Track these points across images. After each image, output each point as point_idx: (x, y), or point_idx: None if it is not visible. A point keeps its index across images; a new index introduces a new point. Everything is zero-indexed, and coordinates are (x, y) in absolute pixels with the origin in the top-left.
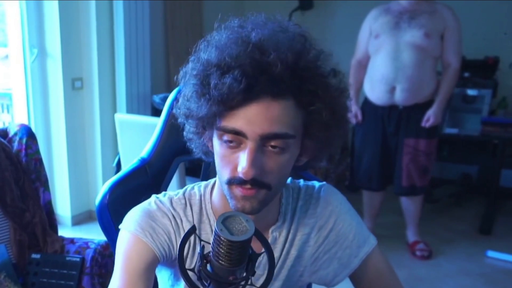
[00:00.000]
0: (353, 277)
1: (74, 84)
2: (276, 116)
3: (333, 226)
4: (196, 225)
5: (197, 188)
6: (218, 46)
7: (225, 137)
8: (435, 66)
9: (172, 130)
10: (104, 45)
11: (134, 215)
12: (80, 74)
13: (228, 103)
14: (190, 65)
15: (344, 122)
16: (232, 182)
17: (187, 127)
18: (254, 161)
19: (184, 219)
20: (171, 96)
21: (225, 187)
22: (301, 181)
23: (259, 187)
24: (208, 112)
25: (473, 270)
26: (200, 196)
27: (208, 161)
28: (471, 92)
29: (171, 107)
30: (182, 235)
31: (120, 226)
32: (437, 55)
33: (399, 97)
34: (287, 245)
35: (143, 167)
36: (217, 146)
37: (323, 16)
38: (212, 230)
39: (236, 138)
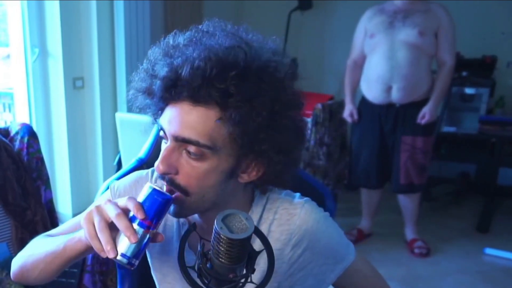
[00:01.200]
0: (336, 285)
1: (75, 83)
2: (192, 122)
3: (308, 246)
4: None
5: None
6: (163, 45)
7: (161, 133)
8: (430, 64)
9: None
10: (105, 45)
11: (131, 175)
12: (81, 74)
13: (152, 98)
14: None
15: (283, 143)
16: (159, 178)
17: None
18: (166, 159)
19: None
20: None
21: None
22: (283, 193)
23: (175, 188)
24: (144, 104)
25: (471, 267)
26: None
27: None
28: (469, 91)
29: None
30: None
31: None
32: (432, 53)
33: (396, 96)
34: None
35: (141, 167)
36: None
37: (322, 16)
38: (179, 223)
39: (164, 135)
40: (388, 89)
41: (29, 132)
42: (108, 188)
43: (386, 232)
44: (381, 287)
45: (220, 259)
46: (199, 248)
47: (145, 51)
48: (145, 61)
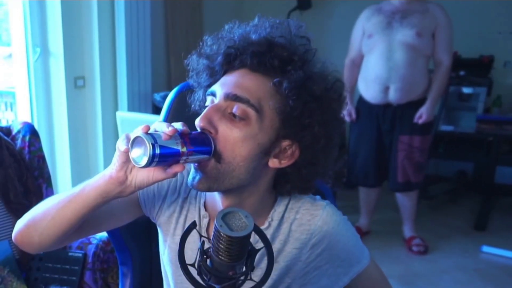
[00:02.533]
0: None
1: (76, 82)
2: (246, 84)
3: (326, 246)
4: (189, 199)
5: None
6: (222, 32)
7: (209, 99)
8: (427, 64)
9: None
10: (106, 44)
11: None
12: (82, 73)
13: (213, 64)
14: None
15: (327, 130)
16: None
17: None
18: (209, 115)
19: (184, 185)
20: (171, 94)
21: None
22: (306, 196)
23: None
24: (203, 71)
25: (469, 265)
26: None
27: None
28: (466, 90)
29: (171, 106)
30: (174, 197)
31: None
32: (429, 53)
33: (393, 96)
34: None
35: None
36: None
37: (321, 16)
38: (199, 211)
39: (212, 101)
40: (386, 89)
41: (31, 131)
42: None
43: (384, 230)
44: None
45: (220, 257)
46: (199, 246)
47: (145, 51)
48: (214, 36)
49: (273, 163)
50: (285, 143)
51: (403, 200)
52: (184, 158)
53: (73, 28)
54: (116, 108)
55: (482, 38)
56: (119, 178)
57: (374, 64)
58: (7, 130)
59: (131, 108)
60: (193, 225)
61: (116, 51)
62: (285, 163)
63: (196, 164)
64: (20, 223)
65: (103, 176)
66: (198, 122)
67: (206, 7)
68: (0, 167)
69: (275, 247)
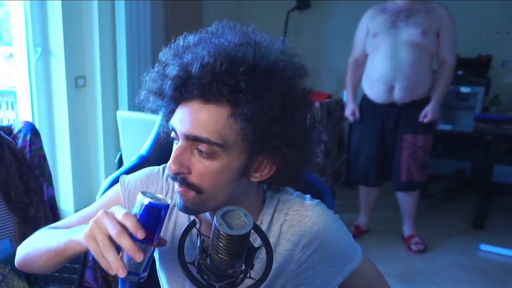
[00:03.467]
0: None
1: (77, 82)
2: (203, 120)
3: (318, 246)
4: (174, 207)
5: None
6: (173, 46)
7: (172, 133)
8: (431, 63)
9: None
10: (106, 44)
11: (142, 171)
12: (83, 72)
13: (163, 98)
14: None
15: (295, 141)
16: (170, 178)
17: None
18: (178, 158)
19: (170, 194)
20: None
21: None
22: (294, 195)
23: (188, 187)
24: (155, 105)
25: (467, 263)
26: None
27: None
28: (464, 89)
29: None
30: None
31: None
32: (433, 52)
33: (398, 95)
34: (262, 256)
35: (143, 163)
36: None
37: (320, 16)
38: (189, 217)
39: (175, 135)
40: (391, 88)
41: (32, 130)
42: (116, 181)
43: (384, 228)
44: None
45: (220, 255)
46: (198, 244)
47: (146, 50)
48: (156, 63)
49: (255, 177)
50: (260, 159)
51: (404, 199)
52: (156, 241)
53: (73, 28)
54: (116, 107)
55: (480, 38)
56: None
57: (379, 63)
58: (8, 129)
59: (132, 107)
60: (193, 224)
61: (116, 51)
62: (266, 174)
63: (179, 192)
64: (19, 255)
65: (80, 244)
66: (169, 169)
67: (206, 7)
68: (1, 166)
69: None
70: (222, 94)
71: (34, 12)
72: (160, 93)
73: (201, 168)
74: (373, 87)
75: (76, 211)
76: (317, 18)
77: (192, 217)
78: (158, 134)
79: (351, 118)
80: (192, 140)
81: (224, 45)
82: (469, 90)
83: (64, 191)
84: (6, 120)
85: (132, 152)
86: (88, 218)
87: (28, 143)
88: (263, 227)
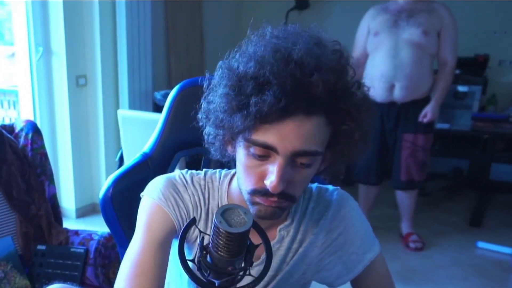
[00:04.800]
0: (354, 281)
1: (78, 81)
2: (308, 133)
3: (342, 231)
4: (211, 210)
5: (218, 174)
6: (255, 57)
7: (253, 150)
8: (432, 63)
9: (173, 126)
10: (107, 44)
11: (158, 183)
12: (84, 72)
13: (264, 119)
14: (221, 72)
15: (368, 138)
16: (257, 193)
17: (210, 132)
18: (284, 176)
19: (201, 198)
20: (172, 93)
21: (247, 195)
22: (315, 184)
23: (284, 199)
24: (242, 125)
25: (464, 261)
26: (219, 183)
27: (209, 157)
28: (461, 88)
29: (172, 104)
30: (199, 212)
31: (143, 193)
32: (434, 52)
33: (398, 94)
34: (295, 245)
35: (145, 161)
36: (242, 156)
37: (319, 15)
38: None
39: (266, 152)
40: (391, 87)
41: (33, 129)
42: (118, 179)
43: (382, 226)
44: None
45: (219, 253)
46: (198, 242)
47: (146, 50)
48: (233, 76)
49: (317, 170)
50: (327, 153)
51: (403, 198)
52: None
53: (75, 28)
54: (117, 106)
55: (477, 38)
56: None
57: (379, 62)
58: (10, 128)
59: (132, 106)
60: (193, 221)
61: (117, 50)
62: (323, 166)
63: (269, 204)
64: None
65: None
66: (273, 188)
67: (206, 7)
68: (3, 164)
69: (298, 238)
70: (323, 105)
71: (35, 12)
72: (253, 113)
73: (300, 178)
74: (373, 86)
75: (77, 209)
76: (316, 18)
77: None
78: (161, 132)
79: None
80: (301, 154)
81: (329, 58)
82: (466, 89)
83: (66, 189)
84: (8, 119)
85: (132, 151)
86: (141, 260)
87: (29, 141)
88: (296, 218)
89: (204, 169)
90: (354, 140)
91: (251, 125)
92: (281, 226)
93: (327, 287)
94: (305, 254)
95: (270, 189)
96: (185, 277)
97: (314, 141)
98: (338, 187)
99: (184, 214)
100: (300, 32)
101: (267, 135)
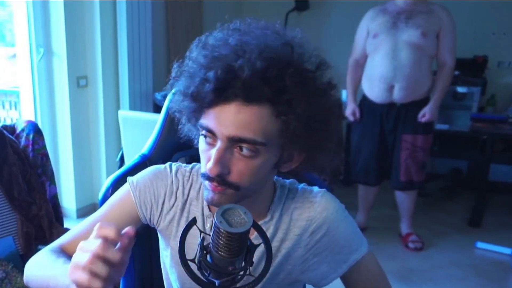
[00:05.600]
0: (344, 280)
1: (79, 82)
2: (246, 121)
3: (326, 232)
4: (190, 201)
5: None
6: (206, 46)
7: (203, 133)
8: (431, 64)
9: (171, 126)
10: (108, 45)
11: (144, 170)
12: (84, 73)
13: (200, 102)
14: (184, 62)
15: (328, 132)
16: (204, 177)
17: (179, 117)
18: (220, 161)
19: (180, 188)
20: (171, 94)
21: (201, 179)
22: (301, 185)
23: (227, 186)
24: (188, 107)
25: (463, 261)
26: None
27: None
28: (461, 89)
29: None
30: (172, 202)
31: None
32: (433, 54)
33: (397, 95)
34: (275, 243)
35: (144, 162)
36: (200, 140)
37: (318, 16)
38: (203, 211)
39: (210, 135)
40: (390, 88)
41: (34, 129)
42: (118, 179)
43: (381, 226)
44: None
45: (220, 252)
46: (199, 242)
47: (147, 50)
48: (189, 63)
49: (284, 168)
50: (293, 150)
51: (403, 198)
52: None
53: (75, 29)
54: (118, 107)
55: (476, 39)
56: None
57: (379, 63)
58: (11, 129)
59: (133, 107)
60: (193, 221)
61: (118, 51)
62: (295, 164)
63: (215, 191)
64: (25, 274)
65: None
66: (209, 171)
67: (206, 7)
68: (4, 165)
69: (278, 237)
70: (264, 95)
71: (36, 13)
72: (196, 96)
73: (242, 167)
74: (373, 86)
75: (78, 209)
76: (315, 19)
77: (205, 213)
78: (159, 133)
79: (351, 118)
80: (237, 141)
81: (272, 46)
82: (465, 90)
83: (66, 190)
84: (9, 119)
85: (133, 151)
86: (87, 230)
87: (31, 142)
88: (276, 216)
89: (194, 163)
90: (297, 132)
91: (194, 107)
92: (261, 222)
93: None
94: (290, 255)
95: (208, 172)
96: (175, 274)
97: (252, 130)
98: (324, 189)
99: (151, 200)
100: (260, 26)
101: (209, 119)
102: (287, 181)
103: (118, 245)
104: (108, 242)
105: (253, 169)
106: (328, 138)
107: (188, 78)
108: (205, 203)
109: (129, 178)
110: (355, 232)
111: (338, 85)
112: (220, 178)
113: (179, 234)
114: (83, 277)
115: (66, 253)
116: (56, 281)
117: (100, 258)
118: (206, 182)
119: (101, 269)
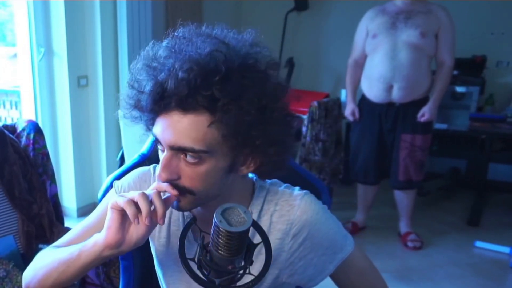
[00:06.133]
0: (335, 279)
1: (79, 81)
2: (184, 129)
3: (308, 235)
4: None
5: None
6: (142, 58)
7: (155, 140)
8: (430, 64)
9: None
10: (108, 44)
11: (130, 173)
12: (85, 72)
13: (144, 111)
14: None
15: (278, 129)
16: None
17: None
18: (167, 167)
19: None
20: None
21: None
22: (283, 186)
23: (181, 191)
24: (137, 117)
25: (462, 260)
26: None
27: None
28: (459, 89)
29: None
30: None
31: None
32: (432, 53)
33: (396, 95)
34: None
35: (143, 162)
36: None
37: (317, 16)
38: (183, 216)
39: (159, 143)
40: (389, 88)
41: (35, 129)
42: (111, 186)
43: (380, 225)
44: (374, 284)
45: (220, 251)
46: (199, 241)
47: None
48: (130, 76)
49: (242, 171)
50: (245, 155)
51: (401, 197)
52: None
53: (76, 29)
54: (118, 107)
55: (475, 39)
56: (116, 242)
57: (378, 63)
58: (12, 128)
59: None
60: (193, 220)
61: (118, 51)
62: (251, 168)
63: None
64: (26, 279)
65: (97, 243)
66: (159, 177)
67: (206, 7)
68: (5, 164)
69: (257, 239)
70: (199, 104)
71: (37, 13)
72: (138, 107)
73: (190, 172)
74: (372, 86)
75: (78, 208)
76: (315, 19)
77: (185, 213)
78: None
79: (350, 118)
80: (178, 150)
81: (194, 57)
82: (464, 89)
83: (67, 189)
84: (10, 119)
85: (133, 150)
86: (89, 229)
87: (31, 141)
88: (254, 217)
89: None
90: (266, 140)
91: (143, 117)
92: None
93: None
94: (275, 259)
95: (158, 178)
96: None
97: (191, 138)
98: (306, 191)
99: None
100: (201, 33)
101: (156, 128)
102: (268, 181)
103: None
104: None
105: (202, 175)
106: (279, 136)
107: (129, 91)
108: None
109: (115, 183)
110: (338, 232)
111: (338, 85)
112: (171, 184)
113: (162, 235)
114: (129, 205)
115: None
116: (72, 254)
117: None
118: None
119: (145, 205)
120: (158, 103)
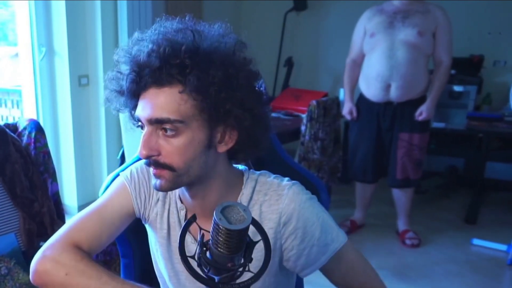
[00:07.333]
0: (324, 271)
1: (80, 81)
2: (160, 103)
3: (297, 224)
4: (169, 194)
5: None
6: (121, 48)
7: (139, 124)
8: (427, 63)
9: None
10: (109, 44)
11: (135, 165)
12: (86, 71)
13: (129, 93)
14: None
15: (251, 106)
16: (145, 163)
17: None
18: (147, 143)
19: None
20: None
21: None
22: (272, 177)
23: (161, 167)
24: (123, 103)
25: (460, 257)
26: None
27: None
28: (457, 88)
29: None
30: (158, 194)
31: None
32: (429, 53)
33: (394, 94)
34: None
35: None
36: None
37: (316, 16)
38: (176, 204)
39: (141, 123)
40: (387, 87)
41: (36, 128)
42: (116, 176)
43: (379, 223)
44: (367, 280)
45: (219, 249)
46: (198, 239)
47: None
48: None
49: (221, 148)
50: (220, 129)
51: (399, 195)
52: None
53: (77, 28)
54: None
55: (472, 38)
56: None
57: (376, 62)
58: (13, 127)
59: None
60: (193, 218)
61: None
62: (230, 143)
63: (154, 171)
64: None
65: None
66: (140, 154)
67: (206, 7)
68: (7, 163)
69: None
70: (172, 76)
71: (38, 13)
72: (120, 91)
73: (169, 147)
74: (370, 85)
75: (79, 206)
76: (313, 19)
77: (178, 205)
78: None
79: (348, 117)
80: (155, 123)
81: (164, 32)
82: (461, 89)
83: (68, 187)
84: (12, 117)
85: (134, 149)
86: (97, 213)
87: (33, 140)
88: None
89: None
90: (240, 114)
91: (128, 101)
92: None
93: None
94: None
95: (139, 155)
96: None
97: (167, 110)
98: (295, 181)
99: (145, 192)
100: (171, 24)
101: (138, 109)
102: (257, 172)
103: None
104: None
105: (180, 148)
106: (249, 101)
107: (112, 78)
108: (177, 196)
109: (123, 173)
110: (328, 223)
111: (336, 84)
112: (153, 161)
113: (163, 227)
114: None
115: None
116: None
117: None
118: (150, 169)
119: None
120: (136, 81)
